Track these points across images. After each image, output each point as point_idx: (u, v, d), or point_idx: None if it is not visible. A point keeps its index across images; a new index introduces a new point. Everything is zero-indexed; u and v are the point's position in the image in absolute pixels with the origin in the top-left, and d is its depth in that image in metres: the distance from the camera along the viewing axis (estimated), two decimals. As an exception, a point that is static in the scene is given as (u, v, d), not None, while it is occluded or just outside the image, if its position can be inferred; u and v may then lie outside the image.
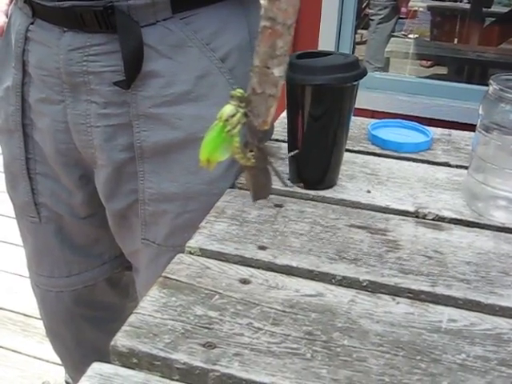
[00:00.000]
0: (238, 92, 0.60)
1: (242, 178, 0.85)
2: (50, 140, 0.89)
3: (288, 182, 0.84)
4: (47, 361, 1.86)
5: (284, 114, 0.88)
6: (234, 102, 0.60)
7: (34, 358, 1.90)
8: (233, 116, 0.60)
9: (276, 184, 0.82)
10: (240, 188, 0.84)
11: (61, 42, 0.81)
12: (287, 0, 0.55)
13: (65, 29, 0.81)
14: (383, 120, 1.05)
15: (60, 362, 1.22)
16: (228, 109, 0.61)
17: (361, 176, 0.87)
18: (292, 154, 0.82)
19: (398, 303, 0.62)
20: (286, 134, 0.83)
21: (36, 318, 1.90)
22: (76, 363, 1.15)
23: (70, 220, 0.97)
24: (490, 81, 0.75)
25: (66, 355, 1.17)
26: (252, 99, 0.60)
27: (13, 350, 1.93)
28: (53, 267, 1.02)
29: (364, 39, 4.44)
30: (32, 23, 0.84)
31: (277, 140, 0.96)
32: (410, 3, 4.97)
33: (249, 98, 0.60)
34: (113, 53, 0.79)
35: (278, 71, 0.59)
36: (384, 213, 0.78)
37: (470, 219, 0.77)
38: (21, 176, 0.95)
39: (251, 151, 0.63)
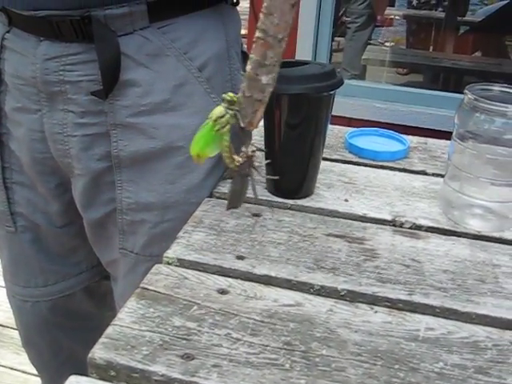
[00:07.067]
0: (229, 96, 0.67)
1: (220, 187, 0.85)
2: (26, 149, 0.88)
3: (265, 193, 0.84)
4: (23, 371, 1.84)
5: (261, 123, 0.88)
6: (225, 104, 0.67)
7: (11, 368, 1.88)
8: (222, 117, 0.67)
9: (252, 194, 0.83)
10: (218, 197, 0.83)
11: (37, 51, 0.80)
12: (280, 16, 0.63)
13: (41, 38, 0.80)
14: (360, 128, 1.05)
15: (36, 373, 1.21)
16: (218, 110, 0.67)
17: (338, 185, 0.88)
18: (268, 161, 0.82)
19: (376, 312, 0.62)
20: (263, 143, 0.83)
21: (12, 328, 1.88)
22: (52, 374, 1.14)
23: (46, 229, 0.97)
24: (466, 90, 0.76)
25: (42, 366, 1.16)
26: (241, 101, 0.67)
27: (-12, 361, 1.91)
28: (29, 277, 1.01)
29: (341, 47, 4.46)
30: (8, 31, 0.84)
31: (255, 149, 0.95)
32: (386, 11, 5.03)
33: (239, 99, 0.67)
34: (90, 62, 0.79)
35: (266, 79, 0.65)
36: (361, 221, 0.79)
37: (447, 227, 0.78)
38: (-4, 185, 0.94)
39: (240, 156, 0.69)
